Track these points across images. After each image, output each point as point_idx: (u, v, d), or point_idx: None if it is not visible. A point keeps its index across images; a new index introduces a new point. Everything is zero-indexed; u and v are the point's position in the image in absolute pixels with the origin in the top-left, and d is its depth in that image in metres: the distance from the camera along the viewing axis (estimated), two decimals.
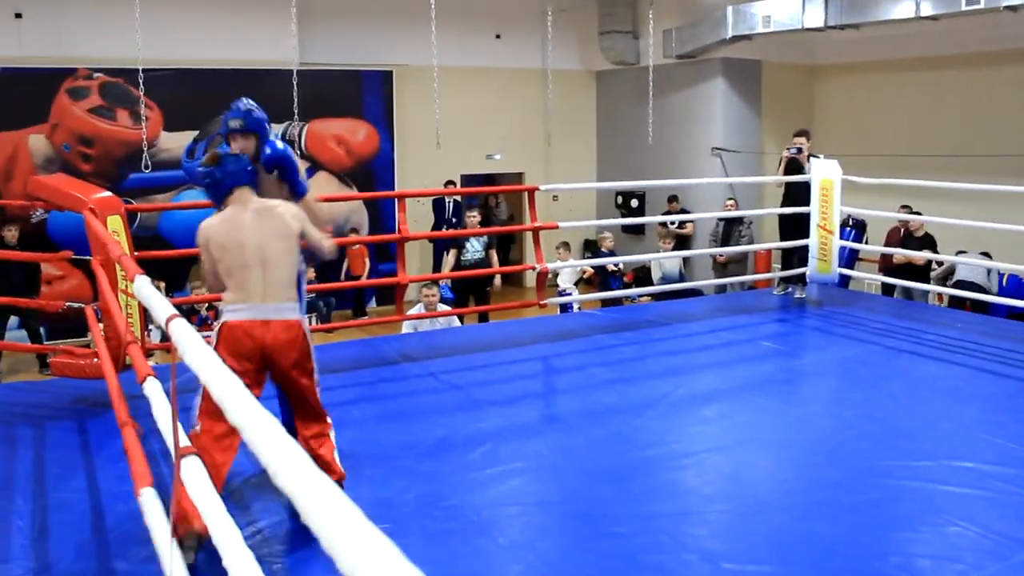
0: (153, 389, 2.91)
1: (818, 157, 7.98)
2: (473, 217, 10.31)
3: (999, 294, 9.34)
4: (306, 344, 3.56)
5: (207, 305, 9.85)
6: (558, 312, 9.11)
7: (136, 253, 5.61)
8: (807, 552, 3.41)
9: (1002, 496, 3.86)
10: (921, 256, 9.55)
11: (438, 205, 13.09)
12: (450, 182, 13.02)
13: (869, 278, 10.07)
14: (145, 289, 2.75)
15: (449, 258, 10.24)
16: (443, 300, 9.54)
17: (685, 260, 12.22)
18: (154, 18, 10.98)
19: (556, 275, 9.86)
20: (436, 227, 12.93)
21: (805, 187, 7.95)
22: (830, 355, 6.45)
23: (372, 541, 1.04)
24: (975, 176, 9.53)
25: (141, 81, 10.86)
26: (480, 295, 10.01)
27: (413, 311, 7.76)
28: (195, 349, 2.03)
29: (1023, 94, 11.17)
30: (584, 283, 11.41)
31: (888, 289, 10.25)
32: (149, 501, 2.70)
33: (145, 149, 11.23)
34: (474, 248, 10.19)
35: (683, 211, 12.79)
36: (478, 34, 14.17)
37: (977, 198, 9.74)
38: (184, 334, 2.14)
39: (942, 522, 3.61)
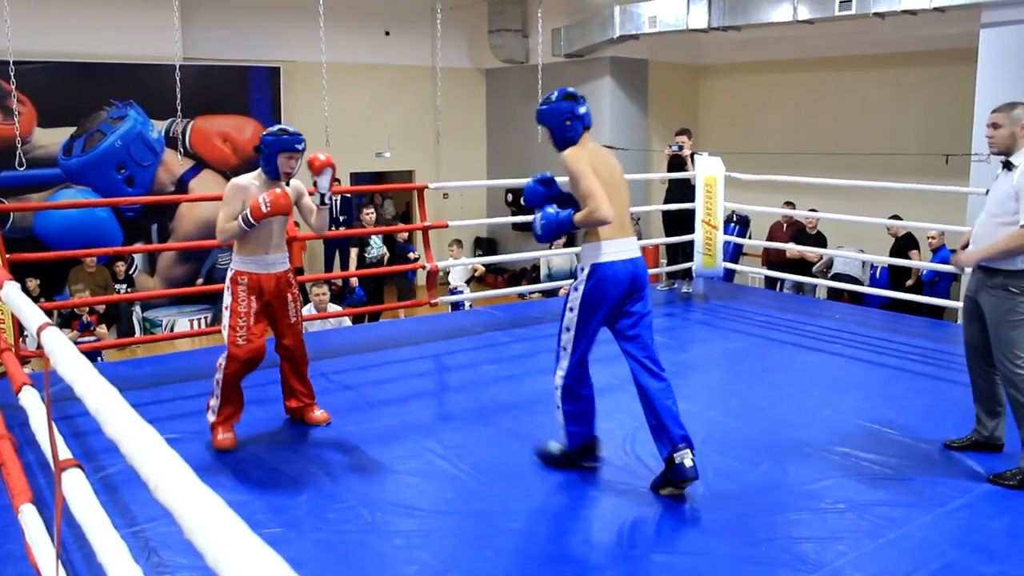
0: (29, 399, 2.79)
1: (701, 154, 8.19)
2: (370, 215, 10.32)
3: (872, 286, 9.76)
4: None
5: (88, 310, 9.49)
6: (449, 310, 9.11)
7: (10, 256, 5.38)
8: (696, 539, 3.50)
9: (876, 478, 4.04)
10: (814, 252, 9.95)
11: None
12: (334, 180, 12.88)
13: (753, 272, 10.38)
14: (15, 296, 2.64)
15: (353, 256, 10.26)
16: (355, 298, 9.50)
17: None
18: (27, 7, 10.49)
19: (447, 273, 9.86)
20: None
21: (687, 184, 8.15)
22: (716, 347, 6.63)
23: (259, 558, 1.02)
24: (848, 173, 9.94)
25: (12, 74, 10.37)
26: (377, 293, 10.06)
27: (303, 312, 7.64)
28: (69, 357, 1.95)
29: (892, 95, 11.70)
30: (476, 281, 11.43)
31: (771, 282, 10.61)
32: (30, 518, 2.59)
33: (18, 145, 10.73)
34: (377, 245, 10.24)
35: None
36: (367, 31, 14.04)
37: (850, 193, 10.18)
38: (57, 343, 2.06)
39: (823, 506, 3.76)
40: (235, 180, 4.44)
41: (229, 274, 4.45)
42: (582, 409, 4.01)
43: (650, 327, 3.93)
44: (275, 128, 4.48)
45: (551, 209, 3.99)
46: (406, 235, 11.17)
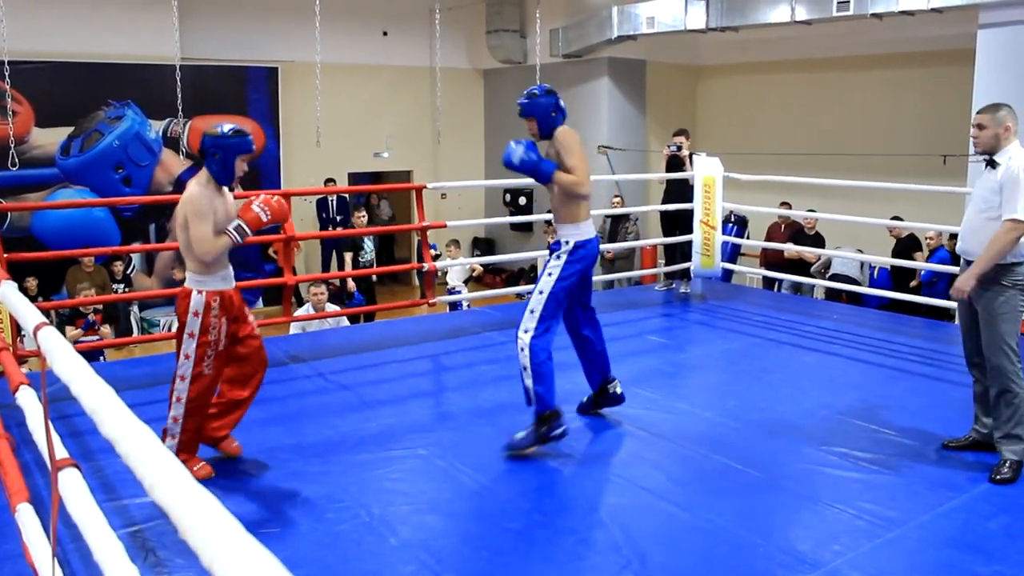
0: (26, 398, 2.78)
1: (700, 155, 8.20)
2: (362, 217, 10.32)
3: (871, 286, 9.76)
4: None
5: (93, 309, 9.46)
6: (447, 310, 9.11)
7: (7, 255, 5.38)
8: (694, 541, 3.49)
9: (873, 479, 4.04)
10: (812, 252, 9.95)
11: (321, 204, 12.92)
12: (330, 180, 12.87)
13: (751, 272, 10.38)
14: (12, 296, 2.63)
15: (348, 260, 10.26)
16: (355, 303, 9.51)
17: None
18: (25, 6, 10.48)
19: (445, 273, 9.86)
20: (321, 227, 12.80)
21: (685, 184, 8.15)
22: (714, 348, 6.63)
23: (254, 558, 1.01)
24: (845, 173, 9.94)
25: (7, 73, 10.36)
26: (369, 294, 10.06)
27: (301, 311, 7.65)
28: (66, 357, 1.95)
29: (890, 96, 11.71)
30: (474, 281, 11.43)
31: (769, 283, 10.61)
32: (27, 517, 2.59)
33: (12, 145, 10.71)
34: (369, 248, 10.25)
35: None
36: (365, 31, 14.04)
37: (848, 194, 10.18)
38: (54, 342, 2.05)
39: (820, 506, 3.77)
40: (199, 190, 3.95)
41: (200, 298, 3.99)
42: (548, 368, 4.31)
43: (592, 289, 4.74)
44: (227, 129, 4.01)
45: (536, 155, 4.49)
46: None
